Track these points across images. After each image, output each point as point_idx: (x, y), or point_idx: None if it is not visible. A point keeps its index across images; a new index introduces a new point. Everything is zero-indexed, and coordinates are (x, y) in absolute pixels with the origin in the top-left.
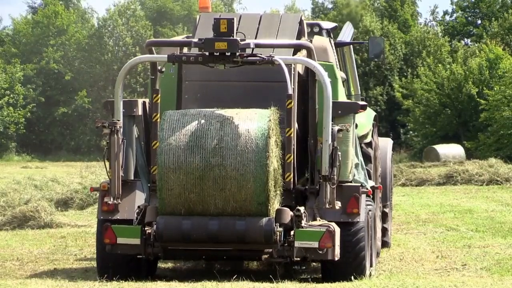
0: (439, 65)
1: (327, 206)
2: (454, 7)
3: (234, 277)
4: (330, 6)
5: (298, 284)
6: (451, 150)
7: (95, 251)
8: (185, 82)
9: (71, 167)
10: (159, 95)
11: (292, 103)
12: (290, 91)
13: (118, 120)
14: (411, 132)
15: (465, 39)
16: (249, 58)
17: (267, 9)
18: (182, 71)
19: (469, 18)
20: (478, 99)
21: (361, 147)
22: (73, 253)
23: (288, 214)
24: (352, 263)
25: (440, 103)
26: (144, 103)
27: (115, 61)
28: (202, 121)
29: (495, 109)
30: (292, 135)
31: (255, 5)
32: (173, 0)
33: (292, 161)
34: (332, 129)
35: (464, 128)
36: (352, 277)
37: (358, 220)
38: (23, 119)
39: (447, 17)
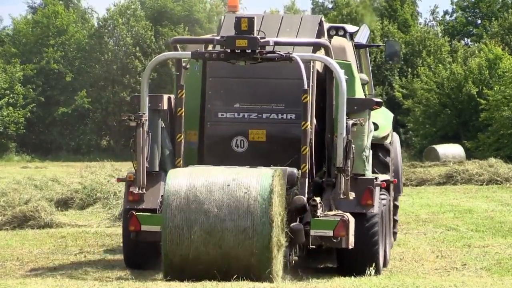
0: (439, 65)
1: (341, 196)
2: (454, 7)
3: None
4: (330, 6)
5: (298, 284)
6: (451, 150)
7: (121, 240)
8: (209, 78)
9: (71, 167)
10: (184, 91)
11: (308, 98)
12: (306, 86)
13: (144, 114)
14: (410, 132)
15: (465, 39)
16: (268, 55)
17: (267, 9)
18: (206, 69)
19: (469, 18)
20: (478, 99)
21: (381, 148)
22: (73, 253)
23: (302, 232)
24: (366, 252)
25: (440, 103)
26: (169, 98)
27: (115, 61)
28: (203, 218)
29: (495, 109)
30: (307, 128)
31: (255, 5)
32: (173, 0)
33: (308, 153)
34: (346, 123)
35: (464, 128)
36: (367, 266)
37: (372, 211)
38: (23, 119)
39: (447, 17)
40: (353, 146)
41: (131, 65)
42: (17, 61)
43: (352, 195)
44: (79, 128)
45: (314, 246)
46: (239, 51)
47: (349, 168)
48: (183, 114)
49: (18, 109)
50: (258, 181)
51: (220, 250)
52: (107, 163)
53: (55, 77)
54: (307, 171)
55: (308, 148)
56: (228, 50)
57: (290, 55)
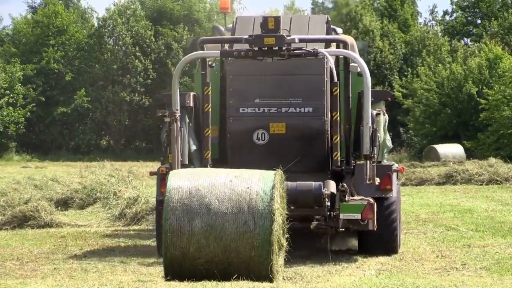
0: (439, 64)
1: (368, 182)
2: (454, 7)
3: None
4: (330, 5)
5: (298, 284)
6: (451, 150)
7: (155, 231)
8: (230, 76)
9: (71, 167)
10: (210, 88)
11: (338, 90)
12: (336, 79)
13: (177, 110)
14: (410, 132)
15: (465, 38)
16: (295, 51)
17: (267, 9)
18: (226, 67)
19: (469, 18)
20: (478, 99)
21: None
22: (73, 253)
23: (333, 184)
24: (387, 234)
25: (440, 102)
26: (194, 95)
27: (115, 61)
28: (205, 211)
29: (495, 109)
30: (337, 118)
31: (255, 5)
32: (173, 0)
33: (339, 142)
34: (371, 113)
35: (464, 128)
36: (387, 249)
37: (391, 195)
38: (23, 118)
39: (447, 17)
40: (379, 134)
41: (131, 65)
42: (17, 60)
43: (377, 181)
44: (78, 128)
45: (343, 229)
46: (266, 48)
47: (375, 155)
48: (210, 110)
49: (18, 109)
50: (260, 178)
51: (221, 243)
52: (107, 163)
53: (55, 77)
54: (338, 158)
55: (338, 137)
56: (256, 48)
57: (318, 51)
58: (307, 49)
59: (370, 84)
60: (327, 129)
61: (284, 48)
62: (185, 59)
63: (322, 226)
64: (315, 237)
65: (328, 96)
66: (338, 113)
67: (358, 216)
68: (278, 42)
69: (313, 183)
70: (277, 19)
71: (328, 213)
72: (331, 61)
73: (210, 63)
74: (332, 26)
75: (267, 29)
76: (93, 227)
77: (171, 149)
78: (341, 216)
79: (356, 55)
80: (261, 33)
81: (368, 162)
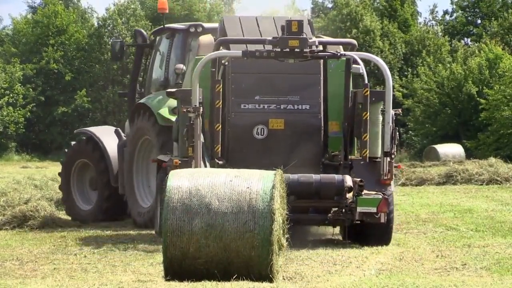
0: (439, 64)
1: (385, 177)
2: (454, 6)
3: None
4: (330, 5)
5: (298, 284)
6: (451, 150)
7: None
8: (231, 74)
9: None
10: (221, 85)
11: (368, 91)
12: (366, 81)
13: (200, 106)
14: (410, 131)
15: (465, 38)
16: (319, 54)
17: (267, 8)
18: (226, 65)
19: (469, 18)
20: (478, 99)
21: None
22: (73, 253)
23: (350, 178)
24: (384, 227)
25: (440, 102)
26: (202, 91)
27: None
28: (205, 211)
29: (495, 109)
30: (367, 118)
31: (254, 4)
32: (173, 0)
33: (367, 140)
34: (391, 113)
35: (464, 128)
36: (383, 239)
37: (390, 189)
38: (23, 118)
39: (447, 17)
40: (397, 133)
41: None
42: (17, 60)
43: (393, 176)
44: (79, 128)
45: (358, 222)
46: (288, 50)
47: (395, 152)
48: (220, 106)
49: (18, 108)
50: (260, 178)
51: (221, 243)
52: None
53: (55, 77)
54: (367, 155)
55: (368, 135)
56: (279, 49)
57: (340, 53)
58: (330, 51)
59: (391, 86)
60: (322, 125)
61: (307, 50)
62: (206, 58)
63: (340, 217)
64: (316, 236)
65: (321, 94)
66: (368, 114)
67: (374, 209)
68: (302, 44)
69: (335, 175)
70: (300, 23)
71: (345, 205)
72: (361, 64)
73: (223, 61)
74: None
75: (291, 32)
76: (93, 227)
77: (193, 144)
78: (358, 209)
79: (378, 58)
80: (285, 35)
81: (387, 158)
